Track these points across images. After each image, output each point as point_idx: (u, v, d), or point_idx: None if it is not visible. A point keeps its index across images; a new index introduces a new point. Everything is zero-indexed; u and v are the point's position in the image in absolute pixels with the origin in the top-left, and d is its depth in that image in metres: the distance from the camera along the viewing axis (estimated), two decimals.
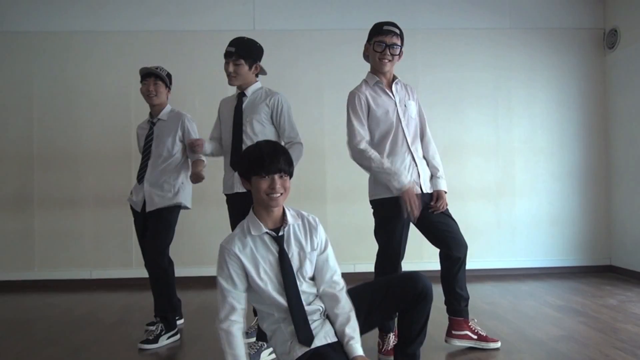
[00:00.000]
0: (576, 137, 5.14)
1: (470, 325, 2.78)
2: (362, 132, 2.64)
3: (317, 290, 1.97)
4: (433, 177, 2.77)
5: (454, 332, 2.76)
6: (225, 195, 2.90)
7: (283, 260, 1.92)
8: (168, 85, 3.28)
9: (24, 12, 4.93)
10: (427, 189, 2.70)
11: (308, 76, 5.01)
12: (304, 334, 1.88)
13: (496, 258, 5.05)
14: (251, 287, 1.93)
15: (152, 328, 3.10)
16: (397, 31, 2.68)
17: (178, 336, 3.10)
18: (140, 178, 3.19)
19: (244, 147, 2.72)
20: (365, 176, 2.78)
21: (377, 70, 2.72)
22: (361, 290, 2.07)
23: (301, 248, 1.96)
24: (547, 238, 5.10)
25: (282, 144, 2.80)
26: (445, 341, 2.79)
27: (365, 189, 2.76)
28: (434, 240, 2.75)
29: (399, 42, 2.67)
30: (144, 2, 4.99)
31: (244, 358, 1.87)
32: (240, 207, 2.77)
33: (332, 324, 1.94)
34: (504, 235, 5.08)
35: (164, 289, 3.07)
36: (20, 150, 4.90)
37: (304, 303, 1.91)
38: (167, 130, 3.18)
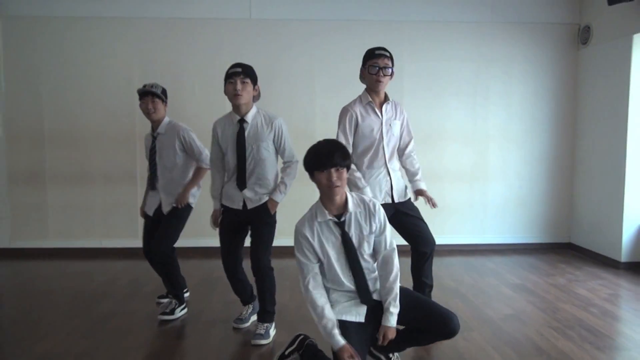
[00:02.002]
0: (546, 127, 5.58)
1: None
2: (346, 145, 3.05)
3: (377, 261, 2.42)
4: (415, 181, 3.27)
5: None
6: (223, 205, 3.21)
7: (346, 241, 2.35)
8: (164, 100, 3.51)
9: None
10: (398, 198, 3.15)
11: (301, 63, 5.33)
12: (365, 295, 2.38)
13: (468, 235, 5.59)
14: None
15: (164, 301, 3.63)
16: (388, 54, 3.06)
17: (187, 309, 3.61)
18: (153, 185, 3.53)
19: (247, 170, 3.03)
20: None
21: (371, 89, 3.09)
22: (407, 294, 2.43)
23: (360, 231, 2.37)
24: (515, 217, 5.64)
25: (281, 163, 3.17)
26: None
27: None
28: (405, 237, 3.24)
29: (390, 64, 3.04)
30: None
31: (329, 308, 2.30)
32: (231, 223, 3.19)
33: (380, 281, 2.40)
34: (476, 214, 5.61)
35: (173, 272, 3.52)
36: (32, 129, 5.27)
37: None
38: (167, 144, 3.47)
